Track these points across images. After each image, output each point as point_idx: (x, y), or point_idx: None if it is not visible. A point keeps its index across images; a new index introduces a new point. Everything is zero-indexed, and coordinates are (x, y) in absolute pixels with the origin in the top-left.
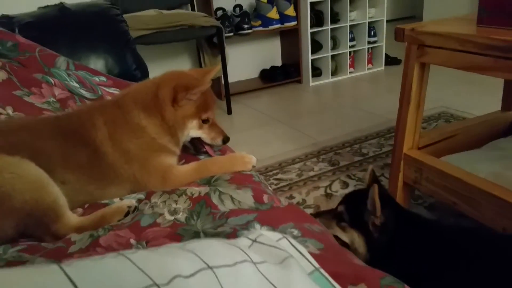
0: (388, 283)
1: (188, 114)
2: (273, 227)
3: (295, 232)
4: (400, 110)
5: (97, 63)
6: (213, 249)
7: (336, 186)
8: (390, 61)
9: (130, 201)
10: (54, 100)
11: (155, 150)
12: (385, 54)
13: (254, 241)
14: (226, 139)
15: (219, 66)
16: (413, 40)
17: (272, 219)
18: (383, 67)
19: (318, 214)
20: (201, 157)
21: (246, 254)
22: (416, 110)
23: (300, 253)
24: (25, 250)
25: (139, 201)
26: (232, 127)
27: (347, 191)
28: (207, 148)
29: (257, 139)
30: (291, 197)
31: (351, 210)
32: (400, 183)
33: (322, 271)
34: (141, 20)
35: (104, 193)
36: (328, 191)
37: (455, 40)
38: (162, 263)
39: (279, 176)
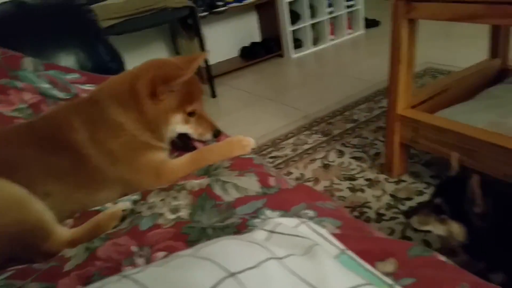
0: (417, 253)
1: (171, 108)
2: (285, 210)
3: (310, 213)
4: (391, 71)
5: (68, 60)
6: (230, 251)
7: (332, 155)
8: (370, 23)
9: (125, 203)
10: (25, 106)
11: (139, 148)
12: (364, 17)
13: (272, 232)
14: (216, 133)
15: (205, 54)
16: None
17: (282, 202)
18: (363, 31)
19: (413, 212)
20: None
21: (268, 249)
22: (408, 69)
23: (322, 236)
24: (14, 276)
25: (135, 202)
26: (218, 110)
27: (343, 159)
28: (196, 144)
29: (246, 120)
30: (289, 173)
31: (450, 201)
32: (397, 144)
33: (349, 252)
34: (108, 9)
35: (94, 199)
36: (325, 162)
37: None
38: (176, 280)
39: (274, 153)
